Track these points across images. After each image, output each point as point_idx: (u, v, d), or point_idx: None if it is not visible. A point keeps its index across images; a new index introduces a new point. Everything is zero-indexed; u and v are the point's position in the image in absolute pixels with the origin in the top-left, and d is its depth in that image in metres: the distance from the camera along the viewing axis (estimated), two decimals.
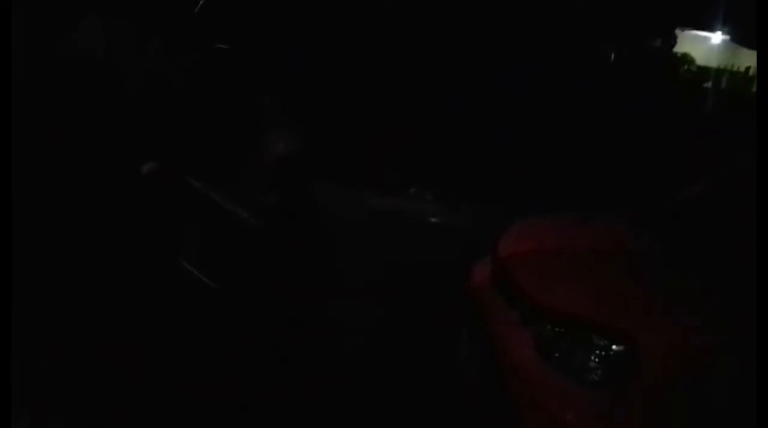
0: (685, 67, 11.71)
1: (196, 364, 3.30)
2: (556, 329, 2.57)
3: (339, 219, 4.53)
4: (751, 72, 12.44)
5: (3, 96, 2.22)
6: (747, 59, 12.46)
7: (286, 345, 3.53)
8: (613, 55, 9.74)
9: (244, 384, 3.23)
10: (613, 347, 2.41)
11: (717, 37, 12.33)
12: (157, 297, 3.69)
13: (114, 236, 3.93)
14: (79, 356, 3.23)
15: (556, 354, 2.52)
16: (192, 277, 3.62)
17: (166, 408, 3.01)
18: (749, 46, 11.43)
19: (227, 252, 3.59)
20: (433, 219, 5.39)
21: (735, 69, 12.49)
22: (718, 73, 11.94)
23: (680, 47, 11.01)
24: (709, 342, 2.31)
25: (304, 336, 3.62)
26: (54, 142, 4.14)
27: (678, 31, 10.57)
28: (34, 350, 3.14)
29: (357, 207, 4.98)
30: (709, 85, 11.16)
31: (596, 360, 2.43)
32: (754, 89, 11.93)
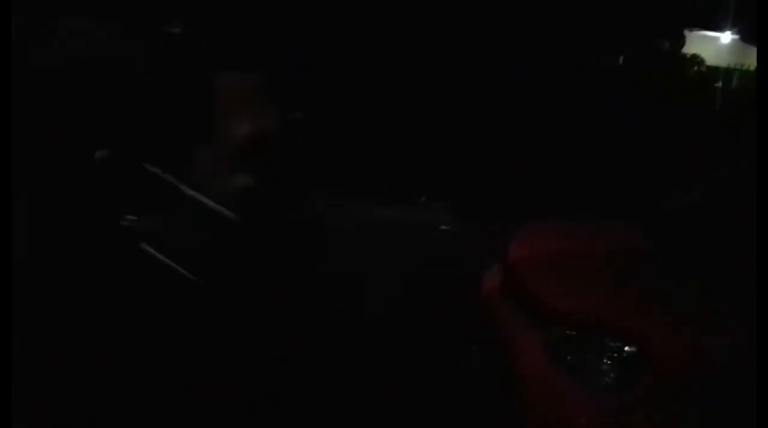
0: (695, 67, 11.62)
1: (195, 364, 3.29)
2: (568, 333, 2.55)
3: (340, 228, 4.54)
4: None
5: (3, 96, 2.23)
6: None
7: (286, 345, 3.51)
8: (621, 58, 9.72)
9: (244, 385, 3.22)
10: (626, 349, 2.39)
11: (726, 37, 12.24)
12: (147, 295, 3.68)
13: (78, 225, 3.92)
14: (80, 356, 3.23)
15: (568, 358, 2.50)
16: (159, 264, 3.58)
17: (166, 408, 3.01)
18: None
19: (196, 243, 3.54)
20: (443, 227, 5.40)
21: (745, 68, 12.40)
22: (728, 72, 11.84)
23: (689, 48, 10.95)
24: (720, 343, 2.28)
25: (304, 336, 3.60)
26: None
27: (686, 32, 10.52)
28: (35, 350, 3.13)
29: (363, 217, 4.99)
30: (719, 85, 11.07)
31: (608, 363, 2.40)
32: None
